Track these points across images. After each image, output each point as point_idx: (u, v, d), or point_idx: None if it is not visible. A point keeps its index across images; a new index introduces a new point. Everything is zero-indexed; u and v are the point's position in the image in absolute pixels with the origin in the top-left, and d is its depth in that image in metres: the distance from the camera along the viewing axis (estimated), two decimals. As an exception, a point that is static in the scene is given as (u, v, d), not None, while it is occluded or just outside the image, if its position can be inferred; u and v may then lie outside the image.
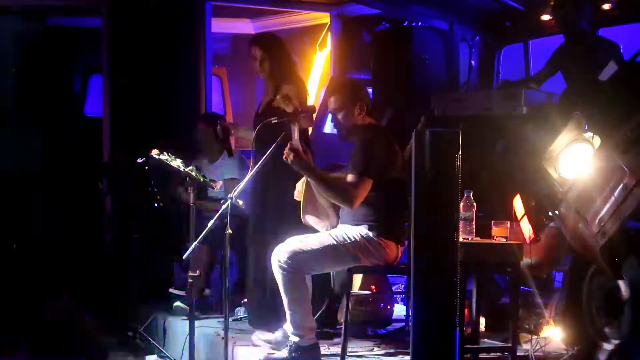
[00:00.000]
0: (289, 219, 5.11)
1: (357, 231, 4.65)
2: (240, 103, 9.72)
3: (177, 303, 6.37)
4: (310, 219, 4.86)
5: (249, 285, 5.46)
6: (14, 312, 7.36)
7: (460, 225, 4.33)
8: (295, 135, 4.59)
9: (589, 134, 4.39)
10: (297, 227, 4.89)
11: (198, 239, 4.60)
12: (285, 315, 4.74)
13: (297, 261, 4.58)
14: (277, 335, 4.87)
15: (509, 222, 4.67)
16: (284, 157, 4.57)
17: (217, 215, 4.51)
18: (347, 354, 4.68)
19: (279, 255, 4.60)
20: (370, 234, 4.64)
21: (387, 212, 4.70)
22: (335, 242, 4.63)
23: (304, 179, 4.82)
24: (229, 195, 4.59)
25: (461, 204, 4.34)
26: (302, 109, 5.11)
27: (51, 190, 8.58)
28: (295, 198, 4.89)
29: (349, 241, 4.63)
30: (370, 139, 4.69)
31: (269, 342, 4.86)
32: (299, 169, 4.62)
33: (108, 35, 7.60)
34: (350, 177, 4.60)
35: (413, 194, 4.06)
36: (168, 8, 7.59)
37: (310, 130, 5.53)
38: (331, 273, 5.65)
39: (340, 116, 4.82)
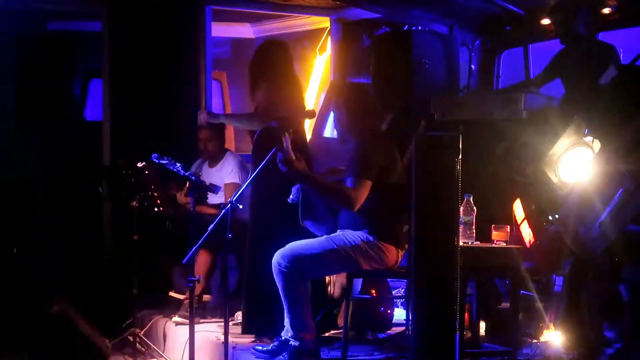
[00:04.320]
0: (289, 224, 5.11)
1: (357, 235, 4.65)
2: (240, 107, 9.70)
3: (171, 293, 6.40)
4: (309, 224, 4.86)
5: (245, 290, 5.47)
6: (14, 315, 7.36)
7: (461, 230, 4.33)
8: (287, 145, 4.59)
9: (589, 138, 4.39)
10: (297, 232, 4.89)
11: (198, 243, 4.59)
12: (282, 323, 4.75)
13: (298, 265, 4.58)
14: (275, 344, 4.84)
15: (509, 226, 4.68)
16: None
17: (217, 220, 4.51)
18: (347, 358, 4.67)
19: (280, 259, 4.61)
20: (371, 238, 4.64)
21: (387, 216, 4.70)
22: (335, 247, 4.63)
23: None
24: (229, 200, 4.59)
25: (461, 208, 4.35)
26: (301, 113, 5.12)
27: (52, 195, 8.58)
28: (289, 201, 4.89)
29: (349, 245, 4.63)
30: (368, 142, 4.70)
31: (267, 352, 4.84)
32: (295, 179, 4.63)
33: (108, 39, 7.60)
34: (349, 181, 4.60)
35: (413, 198, 4.06)
36: (168, 12, 7.59)
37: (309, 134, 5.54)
38: (331, 279, 5.66)
39: (339, 117, 4.85)
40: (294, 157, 4.56)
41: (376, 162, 4.63)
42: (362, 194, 4.58)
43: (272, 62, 5.40)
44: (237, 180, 6.39)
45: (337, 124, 4.95)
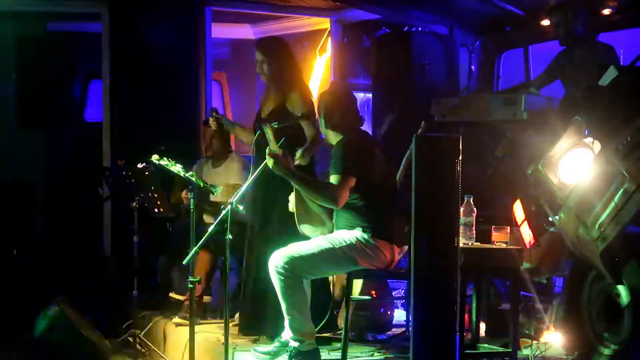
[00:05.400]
0: (288, 226, 5.11)
1: (352, 234, 4.66)
2: (240, 108, 9.72)
3: (172, 294, 6.39)
4: (305, 228, 4.86)
5: (244, 291, 5.47)
6: (14, 316, 7.36)
7: (461, 231, 4.33)
8: (271, 138, 4.60)
9: (589, 139, 4.39)
10: (296, 234, 4.89)
11: (198, 245, 4.59)
12: (282, 324, 4.75)
13: (295, 266, 4.58)
14: (275, 345, 4.85)
15: (509, 227, 4.68)
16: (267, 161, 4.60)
17: (217, 221, 4.51)
18: (347, 359, 4.67)
19: (277, 260, 4.61)
20: (365, 235, 4.64)
21: (379, 214, 4.70)
22: (331, 246, 4.63)
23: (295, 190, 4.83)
24: (229, 201, 4.59)
25: (461, 209, 4.35)
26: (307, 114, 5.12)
27: (52, 196, 8.58)
28: (289, 209, 4.90)
29: (345, 244, 4.63)
30: (347, 140, 4.73)
31: (268, 354, 4.84)
32: (280, 173, 4.63)
33: (108, 39, 7.61)
34: (332, 178, 4.61)
35: (413, 199, 4.06)
36: (168, 13, 7.60)
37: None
38: (331, 279, 5.66)
39: (321, 120, 4.88)
40: (279, 151, 4.58)
41: (356, 158, 4.63)
42: (345, 190, 4.58)
43: (290, 63, 5.40)
44: (241, 182, 6.38)
45: (321, 126, 4.97)
